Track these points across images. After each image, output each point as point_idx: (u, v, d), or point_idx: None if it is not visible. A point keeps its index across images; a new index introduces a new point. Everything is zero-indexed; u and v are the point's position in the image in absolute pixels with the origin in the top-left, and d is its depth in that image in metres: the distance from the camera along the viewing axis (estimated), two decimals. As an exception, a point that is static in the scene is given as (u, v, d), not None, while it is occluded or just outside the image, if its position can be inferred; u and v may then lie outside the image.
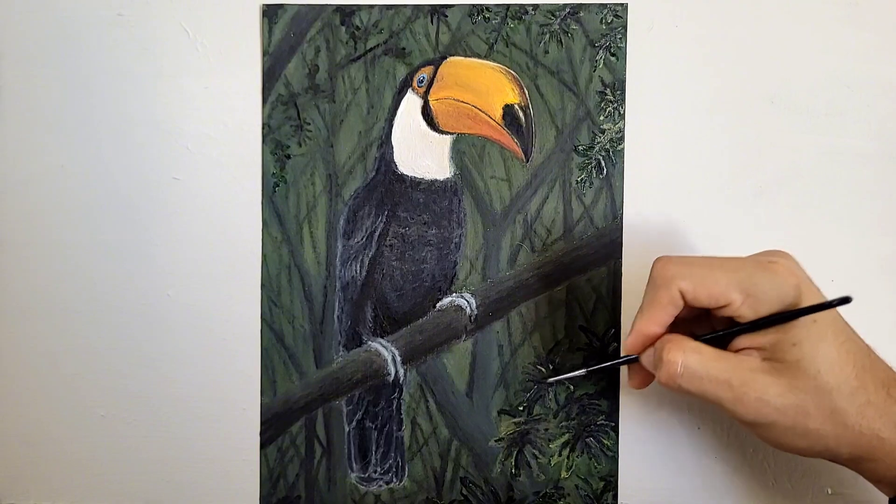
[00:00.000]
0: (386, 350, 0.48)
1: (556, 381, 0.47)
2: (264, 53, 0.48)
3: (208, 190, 0.49)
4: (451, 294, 0.48)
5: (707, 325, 0.41)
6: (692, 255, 0.41)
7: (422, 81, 0.47)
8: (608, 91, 0.47)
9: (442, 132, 0.48)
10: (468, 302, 0.48)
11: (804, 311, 0.37)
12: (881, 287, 0.47)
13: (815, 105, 0.46)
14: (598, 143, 0.47)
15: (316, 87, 0.48)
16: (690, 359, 0.38)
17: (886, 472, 0.38)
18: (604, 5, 0.47)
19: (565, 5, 0.47)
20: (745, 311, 0.38)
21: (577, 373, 0.45)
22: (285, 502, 0.49)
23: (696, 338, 0.40)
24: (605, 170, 0.47)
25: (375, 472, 0.49)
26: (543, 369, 0.48)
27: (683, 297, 0.39)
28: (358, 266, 0.48)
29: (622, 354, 0.41)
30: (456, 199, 0.48)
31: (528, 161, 0.47)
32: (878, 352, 0.39)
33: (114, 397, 0.50)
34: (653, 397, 0.48)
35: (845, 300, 0.37)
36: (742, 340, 0.39)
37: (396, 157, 0.48)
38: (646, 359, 0.41)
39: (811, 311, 0.37)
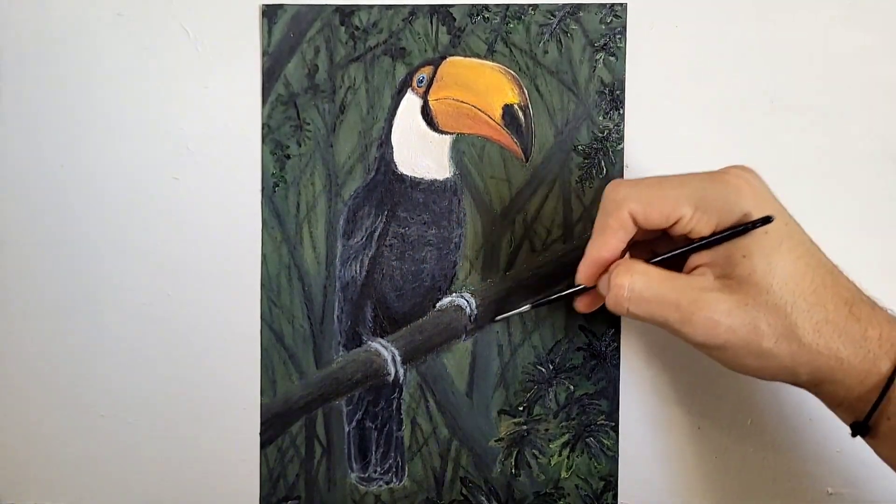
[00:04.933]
0: (386, 350, 0.48)
1: (503, 319, 0.46)
2: (264, 53, 0.48)
3: (208, 190, 0.49)
4: (450, 294, 0.48)
5: (668, 247, 0.39)
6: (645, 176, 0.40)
7: (421, 81, 0.47)
8: (608, 91, 0.47)
9: (441, 132, 0.48)
10: (468, 302, 0.48)
11: (731, 234, 0.36)
12: (881, 287, 0.47)
13: (815, 105, 0.46)
14: (597, 143, 0.47)
15: (316, 87, 0.48)
16: (637, 282, 0.37)
17: (846, 395, 0.37)
18: (603, 5, 0.47)
19: (565, 5, 0.47)
20: (697, 225, 0.37)
21: (522, 308, 0.44)
22: (285, 502, 0.49)
23: (649, 260, 0.38)
24: (604, 170, 0.47)
25: (375, 472, 0.49)
26: (543, 369, 0.48)
27: (635, 220, 0.37)
28: (358, 266, 0.48)
29: (576, 284, 0.41)
30: (456, 198, 0.48)
31: (527, 161, 0.47)
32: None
33: (114, 397, 0.50)
34: (653, 397, 0.48)
35: (769, 219, 0.36)
36: (696, 258, 0.37)
37: (396, 157, 0.48)
38: (601, 286, 0.39)
39: (735, 233, 0.36)
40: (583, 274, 0.40)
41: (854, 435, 0.37)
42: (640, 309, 0.37)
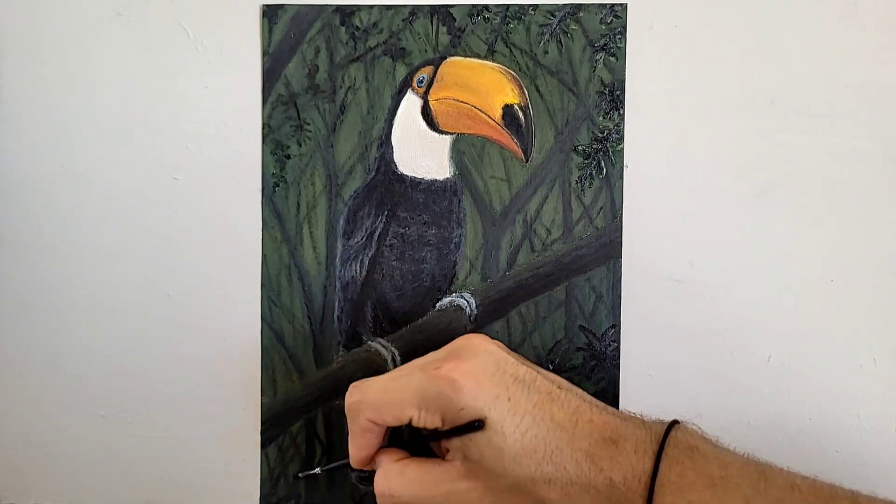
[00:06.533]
0: (386, 350, 0.48)
1: (306, 476, 0.48)
2: (264, 53, 0.48)
3: (208, 190, 0.49)
4: (450, 294, 0.48)
5: None
6: (384, 374, 0.41)
7: (421, 82, 0.47)
8: (608, 91, 0.47)
9: (442, 132, 0.48)
10: (468, 302, 0.48)
11: (447, 435, 0.37)
12: (881, 287, 0.47)
13: (815, 105, 0.46)
14: (597, 143, 0.47)
15: (316, 87, 0.48)
16: (395, 487, 0.38)
17: None
18: (603, 5, 0.47)
19: (565, 5, 0.47)
20: (427, 422, 0.37)
21: (315, 470, 0.47)
22: (285, 502, 0.49)
23: (421, 439, 0.39)
24: (604, 170, 0.47)
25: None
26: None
27: (375, 423, 0.38)
28: (358, 266, 0.48)
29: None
30: (456, 199, 0.48)
31: (527, 161, 0.47)
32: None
33: (114, 397, 0.50)
34: (653, 397, 0.48)
35: (478, 425, 0.35)
36: (444, 441, 0.38)
37: (396, 158, 0.48)
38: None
39: (450, 434, 0.37)
40: (354, 463, 0.41)
41: None
42: None
